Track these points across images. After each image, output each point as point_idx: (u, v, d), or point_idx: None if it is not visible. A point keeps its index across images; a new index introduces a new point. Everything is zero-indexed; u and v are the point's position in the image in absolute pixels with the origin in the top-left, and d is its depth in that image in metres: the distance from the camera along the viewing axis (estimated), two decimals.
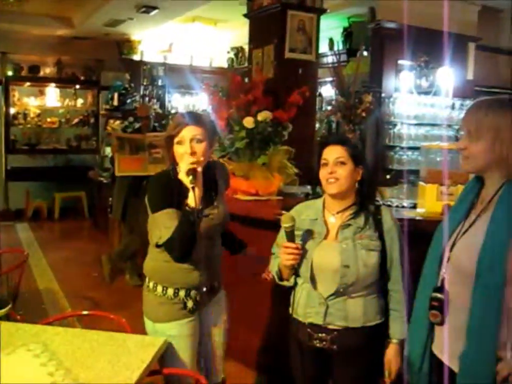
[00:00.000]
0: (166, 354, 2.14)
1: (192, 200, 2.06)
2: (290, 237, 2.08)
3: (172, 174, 2.21)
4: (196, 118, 2.23)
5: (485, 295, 1.62)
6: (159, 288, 2.28)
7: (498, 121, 1.66)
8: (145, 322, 2.33)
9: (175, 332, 2.25)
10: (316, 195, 2.33)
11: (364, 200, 2.16)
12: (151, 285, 2.31)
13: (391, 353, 2.14)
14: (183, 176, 2.10)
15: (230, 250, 2.62)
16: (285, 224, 2.07)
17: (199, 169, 2.12)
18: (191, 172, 2.08)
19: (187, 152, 2.14)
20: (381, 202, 3.07)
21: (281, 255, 2.10)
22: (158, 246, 2.21)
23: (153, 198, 2.22)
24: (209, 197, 2.27)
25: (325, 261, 2.09)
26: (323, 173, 2.13)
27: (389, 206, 3.25)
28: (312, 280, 2.11)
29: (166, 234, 2.11)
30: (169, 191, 2.17)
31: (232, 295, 2.56)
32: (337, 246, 2.09)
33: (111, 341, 1.99)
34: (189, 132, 2.17)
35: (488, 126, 1.66)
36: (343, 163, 2.10)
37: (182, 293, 2.27)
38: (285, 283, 2.24)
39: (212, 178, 2.31)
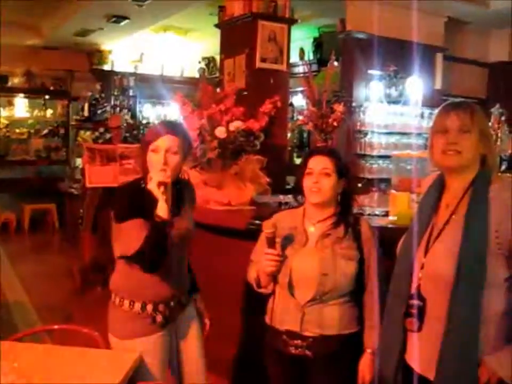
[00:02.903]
0: (134, 372, 2.08)
1: (162, 210, 2.03)
2: (271, 243, 2.08)
3: (142, 183, 2.17)
4: (175, 128, 2.20)
5: (465, 298, 1.63)
6: (126, 303, 2.20)
7: (484, 119, 1.79)
8: (111, 340, 2.23)
9: (143, 348, 2.15)
10: (289, 205, 2.34)
11: (344, 211, 2.19)
12: (117, 300, 2.23)
13: (365, 362, 2.15)
14: (153, 187, 2.06)
15: None
16: (266, 230, 2.07)
17: (169, 181, 2.09)
18: (162, 184, 2.05)
19: (160, 162, 2.11)
20: (359, 212, 3.10)
21: (262, 262, 2.10)
22: (125, 258, 2.14)
23: (120, 207, 2.16)
24: (175, 209, 2.22)
25: (303, 268, 2.10)
26: (307, 182, 2.15)
27: (361, 214, 3.28)
28: (290, 287, 2.12)
29: (134, 245, 2.04)
30: (137, 201, 2.12)
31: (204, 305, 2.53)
32: (316, 254, 2.11)
33: (83, 358, 1.95)
34: (166, 142, 2.12)
35: (477, 122, 1.74)
36: (328, 174, 2.12)
37: (149, 307, 2.19)
38: (263, 290, 2.23)
39: (179, 195, 2.28)
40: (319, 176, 2.12)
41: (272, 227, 2.08)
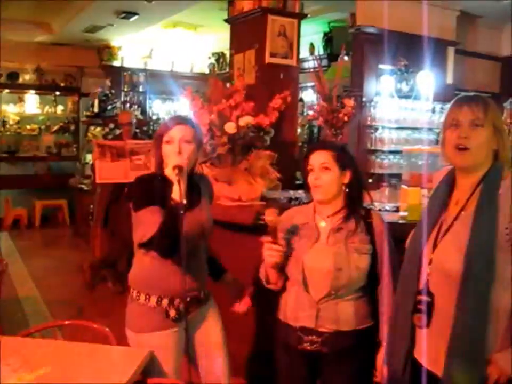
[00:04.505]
0: (147, 365, 2.10)
1: (177, 193, 2.06)
2: (273, 233, 2.06)
3: (157, 175, 2.22)
4: (186, 120, 2.30)
5: (474, 294, 1.61)
6: (142, 297, 2.24)
7: (497, 114, 1.75)
8: (127, 333, 2.28)
9: (157, 343, 2.19)
10: (299, 200, 2.33)
11: (353, 203, 2.16)
12: (134, 294, 2.27)
13: (382, 356, 2.11)
14: (169, 171, 2.11)
15: (212, 276, 2.53)
16: (268, 217, 2.05)
17: (185, 165, 2.13)
18: (177, 167, 2.09)
19: (175, 151, 2.16)
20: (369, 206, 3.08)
21: (264, 252, 2.08)
22: (142, 245, 2.18)
23: (136, 197, 2.21)
24: (193, 200, 2.25)
25: (317, 264, 2.09)
26: (310, 179, 2.15)
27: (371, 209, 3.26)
28: (304, 283, 2.11)
29: (150, 230, 2.08)
30: (153, 190, 2.17)
31: (218, 303, 2.52)
32: (329, 249, 2.10)
33: (94, 353, 1.95)
34: (179, 131, 2.19)
35: (490, 117, 1.71)
36: (327, 168, 2.11)
37: (165, 302, 2.23)
38: (272, 287, 2.21)
39: (196, 187, 2.31)
40: (319, 172, 2.12)
41: (273, 215, 2.06)
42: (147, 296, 2.23)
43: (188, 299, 2.25)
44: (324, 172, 2.11)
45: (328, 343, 2.09)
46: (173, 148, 2.17)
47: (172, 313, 2.23)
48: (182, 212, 2.03)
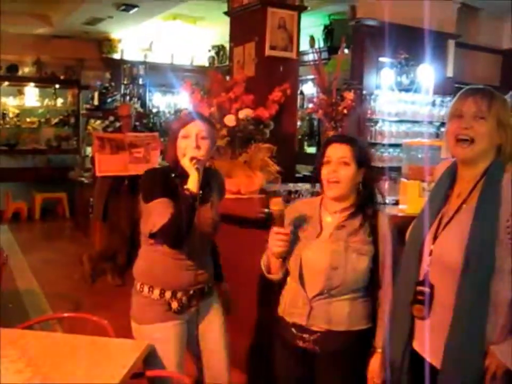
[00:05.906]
0: (150, 357, 2.11)
1: (191, 184, 2.06)
2: (280, 221, 1.99)
3: (169, 169, 2.24)
4: (202, 116, 2.33)
5: (473, 286, 1.61)
6: (146, 289, 2.26)
7: (503, 108, 1.72)
8: (132, 324, 2.30)
9: (159, 335, 2.21)
10: (299, 193, 2.31)
11: (364, 202, 2.09)
12: (138, 286, 2.29)
13: (375, 362, 2.04)
14: (186, 161, 2.12)
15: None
16: (274, 207, 1.99)
17: (202, 158, 2.16)
18: (195, 158, 2.11)
19: (192, 146, 2.16)
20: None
21: (270, 241, 2.01)
22: (151, 235, 2.18)
23: (148, 188, 2.21)
24: (204, 196, 2.24)
25: (313, 260, 2.04)
26: (324, 172, 2.06)
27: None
28: (301, 278, 2.06)
29: (160, 221, 2.07)
30: (164, 182, 2.18)
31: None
32: (328, 247, 2.03)
33: (92, 346, 1.95)
34: (196, 127, 2.20)
35: (494, 110, 1.70)
36: (346, 163, 2.02)
37: (168, 294, 2.24)
38: (273, 277, 2.16)
39: (208, 184, 2.31)
40: (337, 166, 2.02)
41: (280, 204, 1.99)
42: (150, 288, 2.25)
43: (191, 292, 2.27)
44: (342, 166, 2.02)
45: (319, 342, 2.04)
46: (190, 143, 2.17)
47: (174, 305, 2.24)
48: (196, 203, 2.04)
